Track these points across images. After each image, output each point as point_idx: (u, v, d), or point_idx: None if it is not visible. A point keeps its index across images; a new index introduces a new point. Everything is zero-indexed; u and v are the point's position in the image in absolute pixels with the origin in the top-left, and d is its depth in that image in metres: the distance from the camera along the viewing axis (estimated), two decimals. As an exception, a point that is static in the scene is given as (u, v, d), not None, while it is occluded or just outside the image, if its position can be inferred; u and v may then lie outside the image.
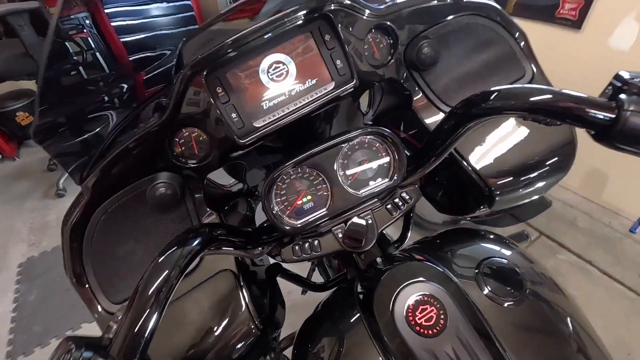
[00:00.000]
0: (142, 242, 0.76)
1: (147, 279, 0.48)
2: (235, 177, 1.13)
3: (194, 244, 0.55)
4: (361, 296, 0.75)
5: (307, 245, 0.77)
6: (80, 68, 1.00)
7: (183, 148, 0.77)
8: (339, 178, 0.73)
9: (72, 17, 1.02)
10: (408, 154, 0.75)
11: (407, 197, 0.78)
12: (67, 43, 1.00)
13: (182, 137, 0.76)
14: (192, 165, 0.76)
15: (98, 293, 0.73)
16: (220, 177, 1.08)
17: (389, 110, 1.05)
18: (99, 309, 0.74)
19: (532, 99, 0.48)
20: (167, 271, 0.49)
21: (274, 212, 0.72)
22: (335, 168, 0.73)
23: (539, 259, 0.81)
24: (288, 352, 1.50)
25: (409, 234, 1.05)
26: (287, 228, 0.72)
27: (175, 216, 0.78)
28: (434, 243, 0.84)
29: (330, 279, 1.15)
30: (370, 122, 1.11)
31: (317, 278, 1.35)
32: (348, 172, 0.74)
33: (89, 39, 1.05)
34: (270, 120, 0.73)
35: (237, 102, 0.71)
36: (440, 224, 2.35)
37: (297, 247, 0.77)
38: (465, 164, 0.81)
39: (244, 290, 0.77)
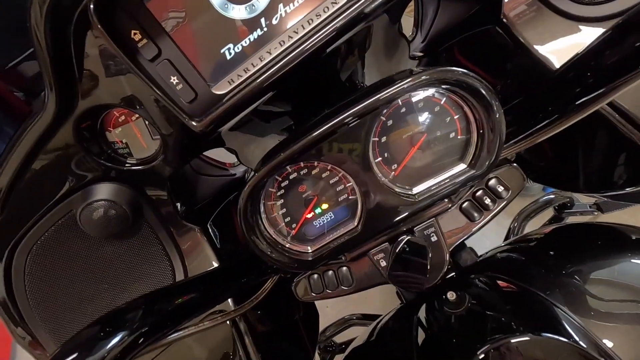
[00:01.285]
0: (99, 279, 0.53)
1: None
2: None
3: (109, 347, 0.29)
4: (422, 347, 0.47)
5: (330, 274, 0.49)
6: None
7: (124, 141, 0.49)
8: (376, 170, 0.41)
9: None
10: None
11: (501, 189, 0.44)
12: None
13: (116, 122, 0.48)
14: (138, 168, 0.48)
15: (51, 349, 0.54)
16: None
17: (453, 30, 0.64)
18: None
19: None
20: None
21: (266, 237, 0.43)
22: (368, 154, 0.40)
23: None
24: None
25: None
26: (291, 261, 0.43)
27: (136, 241, 0.53)
28: (548, 257, 0.50)
29: None
30: (421, 54, 0.71)
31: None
32: (391, 158, 0.42)
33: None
34: (243, 79, 0.40)
35: (177, 56, 0.39)
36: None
37: (315, 278, 0.49)
38: (616, 112, 0.43)
39: (246, 341, 0.53)
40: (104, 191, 0.48)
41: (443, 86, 0.37)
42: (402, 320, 0.56)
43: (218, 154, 0.79)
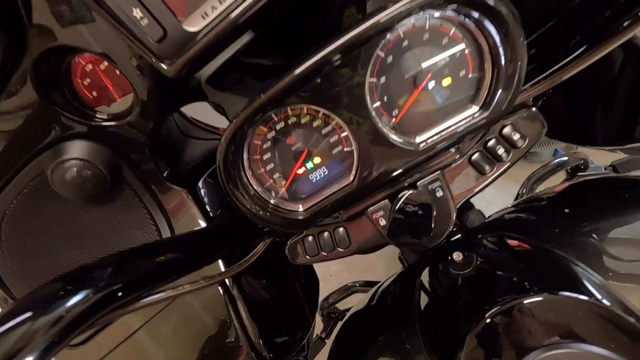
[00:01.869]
0: (81, 245, 0.51)
1: None
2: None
3: (69, 306, 0.26)
4: (425, 310, 0.44)
5: (325, 235, 0.45)
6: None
7: (95, 93, 0.44)
8: (374, 116, 0.36)
9: None
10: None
11: (517, 137, 0.39)
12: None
13: (83, 72, 0.43)
14: (111, 124, 0.44)
15: None
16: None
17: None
18: None
19: None
20: None
21: (253, 195, 0.39)
22: (364, 97, 0.35)
23: None
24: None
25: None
26: (281, 220, 0.40)
27: (118, 205, 0.50)
28: (563, 214, 0.46)
29: None
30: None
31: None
32: (391, 102, 0.36)
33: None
34: (219, 12, 0.34)
35: (138, -17, 0.33)
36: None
37: (310, 240, 0.46)
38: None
39: (239, 307, 0.50)
40: (76, 149, 0.44)
41: (451, 6, 0.31)
42: (404, 285, 0.53)
43: (213, 119, 0.74)
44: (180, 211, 0.51)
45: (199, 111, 0.73)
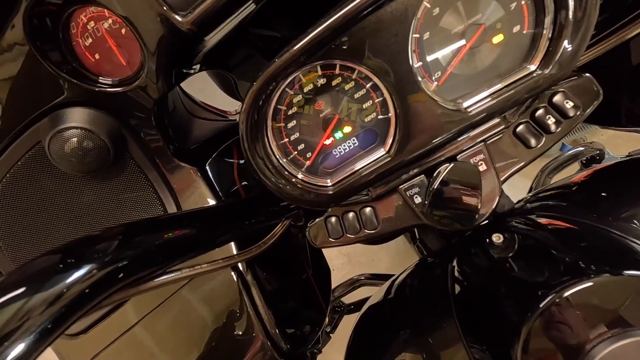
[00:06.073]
0: (80, 225, 0.46)
1: None
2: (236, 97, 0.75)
3: (70, 281, 0.22)
4: (461, 297, 0.40)
5: (350, 216, 0.41)
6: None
7: (97, 56, 0.40)
8: (417, 76, 0.32)
9: None
10: None
11: (569, 106, 0.35)
12: None
13: (84, 30, 0.38)
14: (116, 90, 0.39)
15: None
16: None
17: None
18: None
19: None
20: None
21: (277, 167, 0.35)
22: (407, 56, 0.31)
23: None
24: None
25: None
26: (309, 195, 0.36)
27: (121, 181, 0.45)
28: (600, 198, 0.43)
29: None
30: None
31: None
32: (434, 62, 0.32)
33: None
34: None
35: None
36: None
37: (333, 222, 0.42)
38: None
39: (254, 294, 0.46)
40: (77, 117, 0.40)
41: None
42: (428, 273, 0.50)
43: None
44: (189, 190, 0.47)
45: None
